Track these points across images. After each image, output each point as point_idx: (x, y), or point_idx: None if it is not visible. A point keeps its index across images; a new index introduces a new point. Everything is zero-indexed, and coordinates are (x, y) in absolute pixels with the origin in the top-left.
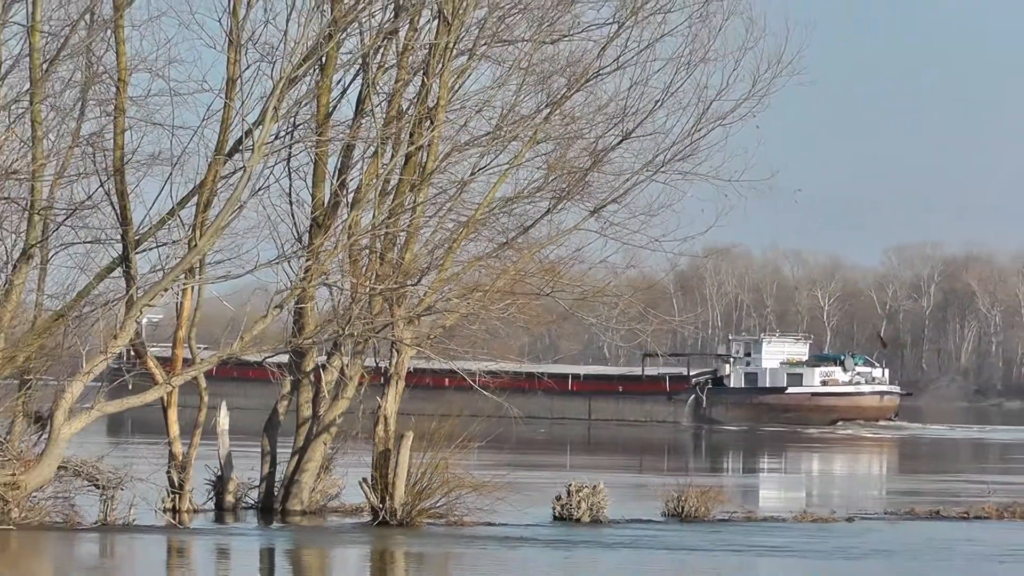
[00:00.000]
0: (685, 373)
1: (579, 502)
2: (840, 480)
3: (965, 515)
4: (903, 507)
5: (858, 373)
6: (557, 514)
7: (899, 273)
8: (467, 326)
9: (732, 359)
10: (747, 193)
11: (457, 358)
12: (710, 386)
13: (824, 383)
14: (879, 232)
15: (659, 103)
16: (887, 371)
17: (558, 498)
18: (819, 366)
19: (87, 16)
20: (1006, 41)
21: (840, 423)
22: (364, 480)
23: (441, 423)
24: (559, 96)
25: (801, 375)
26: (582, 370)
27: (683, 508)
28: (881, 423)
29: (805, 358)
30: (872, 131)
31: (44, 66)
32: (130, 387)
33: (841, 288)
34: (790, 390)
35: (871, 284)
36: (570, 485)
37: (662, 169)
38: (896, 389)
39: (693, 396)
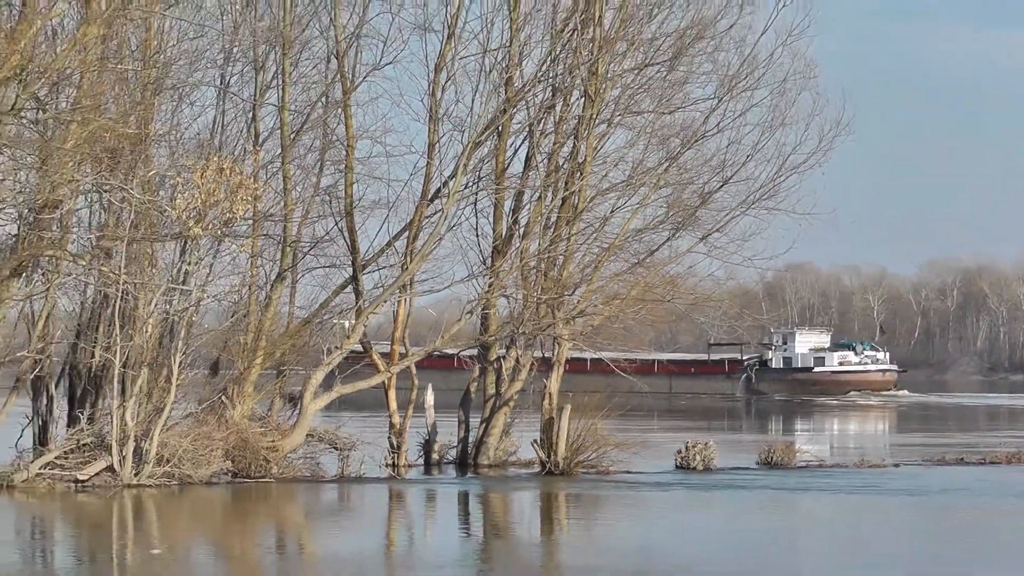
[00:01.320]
0: (740, 358)
1: (695, 455)
2: (866, 437)
3: (983, 461)
4: (933, 456)
5: (866, 355)
6: (678, 464)
7: (929, 280)
8: (609, 325)
9: (774, 347)
10: (816, 223)
11: (602, 349)
12: (757, 367)
13: (841, 364)
14: (914, 248)
15: (749, 157)
16: (888, 354)
17: (679, 452)
18: (837, 351)
19: (323, 98)
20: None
21: (852, 393)
22: (534, 441)
23: (591, 397)
24: (675, 153)
25: (824, 357)
26: (664, 356)
27: (772, 458)
28: (884, 393)
29: (827, 345)
30: (903, 165)
31: (292, 136)
32: (337, 374)
33: (887, 292)
34: (816, 369)
35: (909, 289)
36: (688, 443)
37: (752, 206)
38: (895, 367)
39: (745, 375)
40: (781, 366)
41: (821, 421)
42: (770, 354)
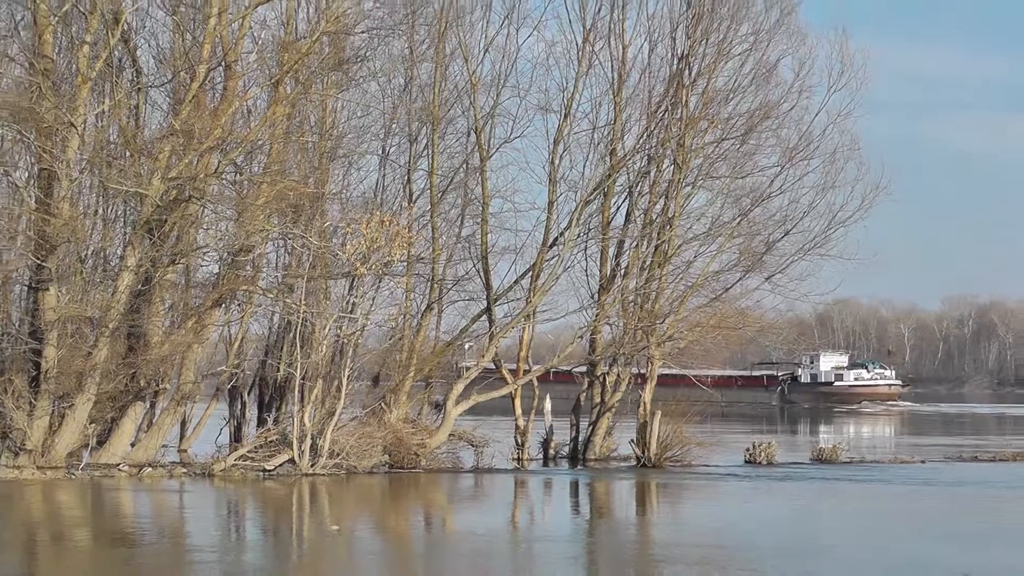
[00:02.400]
0: (776, 374)
1: (760, 452)
2: (881, 438)
3: (993, 458)
4: (952, 455)
5: (876, 372)
6: (746, 459)
7: (949, 313)
8: (692, 348)
9: (802, 365)
10: (859, 266)
11: (687, 367)
12: (790, 381)
13: (856, 379)
14: (937, 286)
15: (805, 213)
16: (894, 371)
17: (747, 449)
18: (853, 369)
19: (464, 165)
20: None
21: (864, 402)
22: (632, 440)
23: (677, 405)
24: (746, 210)
25: (843, 374)
26: (715, 372)
27: (822, 455)
28: (889, 403)
29: (845, 364)
30: (930, 218)
31: (439, 195)
32: (474, 385)
33: (915, 322)
34: (835, 383)
35: (933, 319)
36: (755, 442)
37: (808, 252)
38: (899, 382)
39: (780, 387)
40: (808, 381)
41: (840, 424)
42: (800, 371)
